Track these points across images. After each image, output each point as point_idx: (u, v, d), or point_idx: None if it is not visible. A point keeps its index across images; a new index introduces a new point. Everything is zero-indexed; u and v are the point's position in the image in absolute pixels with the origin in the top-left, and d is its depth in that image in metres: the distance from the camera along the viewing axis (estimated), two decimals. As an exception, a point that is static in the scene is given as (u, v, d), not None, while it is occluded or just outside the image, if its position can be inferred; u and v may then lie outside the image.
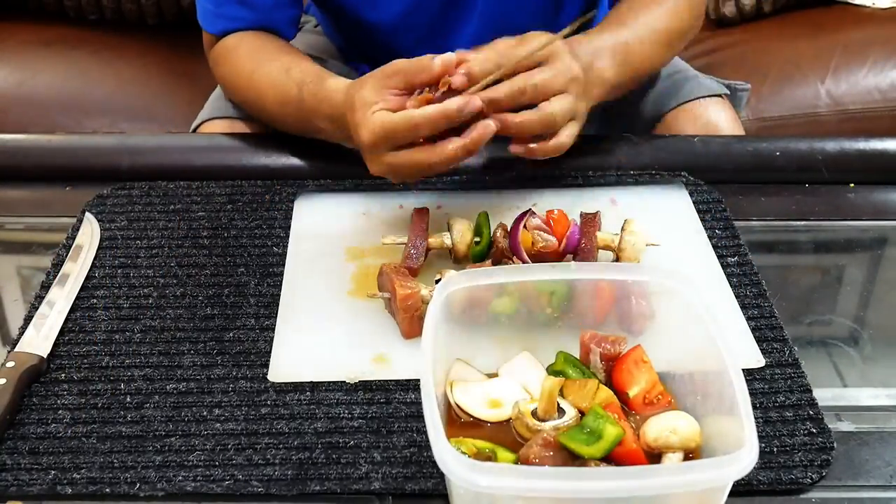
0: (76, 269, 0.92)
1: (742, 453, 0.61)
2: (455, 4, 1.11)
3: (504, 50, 0.90)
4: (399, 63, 0.89)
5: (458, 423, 0.74)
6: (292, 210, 1.01)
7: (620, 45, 1.01)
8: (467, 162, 1.07)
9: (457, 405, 0.74)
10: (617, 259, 0.89)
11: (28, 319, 0.86)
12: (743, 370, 0.67)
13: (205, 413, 0.77)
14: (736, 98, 1.29)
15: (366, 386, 0.79)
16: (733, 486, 0.67)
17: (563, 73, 0.90)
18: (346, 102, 0.92)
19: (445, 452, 0.61)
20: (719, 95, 1.24)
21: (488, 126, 0.85)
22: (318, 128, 1.01)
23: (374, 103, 0.88)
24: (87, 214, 1.00)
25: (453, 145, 0.85)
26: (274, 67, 1.05)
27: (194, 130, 1.23)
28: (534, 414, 0.72)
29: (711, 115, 1.20)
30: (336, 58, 1.31)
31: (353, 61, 1.30)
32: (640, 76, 1.08)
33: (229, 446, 0.74)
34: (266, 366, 0.82)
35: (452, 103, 0.84)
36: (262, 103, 1.08)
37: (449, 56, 0.87)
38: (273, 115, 1.08)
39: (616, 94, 1.03)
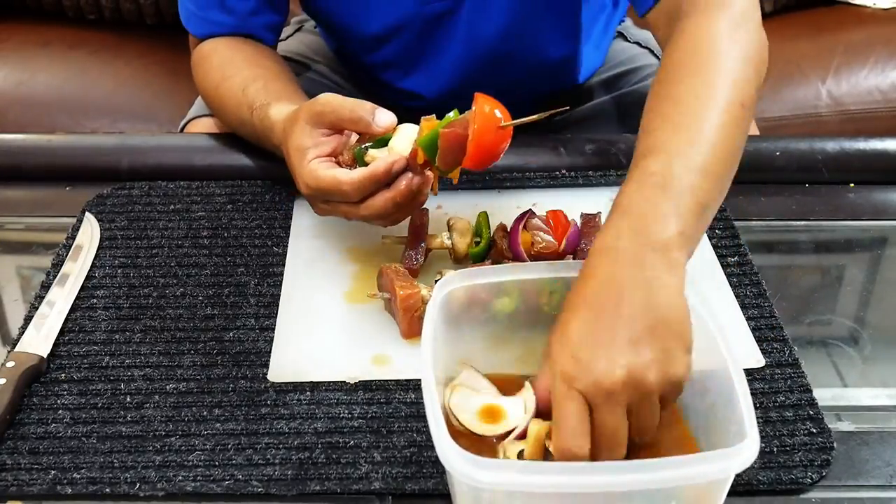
0: (76, 269, 0.92)
1: (744, 445, 0.61)
2: (438, 24, 1.12)
3: None
4: (332, 102, 0.84)
5: (451, 428, 0.73)
6: (292, 210, 1.01)
7: (685, 190, 0.70)
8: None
9: (450, 408, 0.74)
10: (617, 259, 0.89)
11: (28, 319, 0.86)
12: (743, 370, 0.67)
13: (205, 413, 0.77)
14: None
15: (366, 386, 0.79)
16: (734, 485, 0.67)
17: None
18: (282, 139, 0.90)
19: (447, 448, 0.61)
20: None
21: (412, 179, 0.81)
22: (272, 151, 1.00)
23: (307, 149, 0.84)
24: (87, 214, 1.00)
25: (379, 200, 0.82)
26: (235, 83, 1.04)
27: (183, 127, 1.23)
28: (520, 456, 0.69)
29: None
30: (332, 60, 1.31)
31: (346, 65, 1.30)
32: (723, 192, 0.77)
33: (229, 446, 0.74)
34: (266, 366, 0.82)
35: (380, 165, 0.81)
36: (225, 118, 1.09)
37: (391, 118, 0.83)
38: (235, 130, 1.08)
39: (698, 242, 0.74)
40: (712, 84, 0.77)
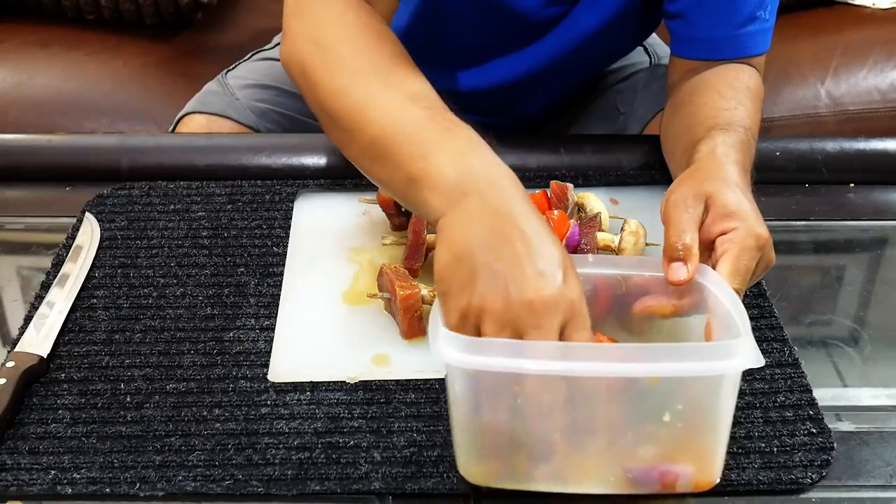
0: (76, 269, 0.92)
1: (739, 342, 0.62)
2: (551, 23, 1.10)
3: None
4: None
5: None
6: (292, 210, 1.01)
7: (745, 149, 0.87)
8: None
9: None
10: (617, 259, 0.89)
11: (28, 319, 0.86)
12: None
13: (205, 413, 0.77)
14: None
15: (366, 386, 0.79)
16: (733, 485, 0.67)
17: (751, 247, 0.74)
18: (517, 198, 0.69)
19: (438, 328, 0.63)
20: None
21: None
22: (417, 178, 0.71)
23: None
24: (87, 214, 1.00)
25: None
26: (393, 95, 0.77)
27: (177, 122, 1.22)
28: None
29: None
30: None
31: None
32: None
33: (229, 446, 0.74)
34: (266, 366, 0.82)
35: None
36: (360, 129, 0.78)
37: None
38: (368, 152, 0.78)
39: None
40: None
